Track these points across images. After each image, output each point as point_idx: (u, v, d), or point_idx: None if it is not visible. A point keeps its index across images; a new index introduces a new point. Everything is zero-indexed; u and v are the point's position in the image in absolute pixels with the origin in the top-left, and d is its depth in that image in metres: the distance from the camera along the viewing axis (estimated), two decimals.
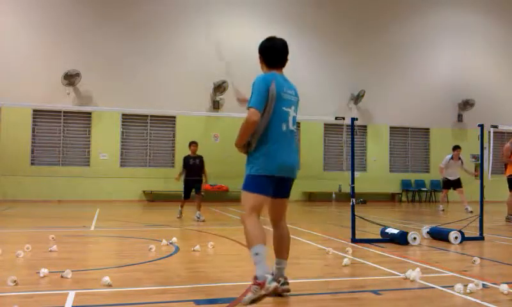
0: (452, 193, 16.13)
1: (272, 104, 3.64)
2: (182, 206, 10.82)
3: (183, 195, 10.84)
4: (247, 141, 3.70)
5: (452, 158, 13.96)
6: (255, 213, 3.69)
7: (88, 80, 17.54)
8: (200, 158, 10.90)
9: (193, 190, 10.81)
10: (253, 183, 3.70)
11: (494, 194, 17.11)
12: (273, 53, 3.87)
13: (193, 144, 11.01)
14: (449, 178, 14.17)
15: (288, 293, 3.76)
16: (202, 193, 10.88)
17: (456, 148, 14.09)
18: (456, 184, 14.18)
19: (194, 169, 10.76)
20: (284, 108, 3.72)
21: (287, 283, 3.81)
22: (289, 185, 3.89)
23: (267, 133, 3.66)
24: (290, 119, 3.77)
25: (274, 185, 3.73)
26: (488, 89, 22.34)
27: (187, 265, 5.50)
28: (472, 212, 12.83)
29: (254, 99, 3.61)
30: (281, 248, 3.92)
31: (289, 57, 3.92)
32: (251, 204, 3.68)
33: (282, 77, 3.85)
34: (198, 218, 10.20)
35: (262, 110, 3.60)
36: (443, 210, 14.39)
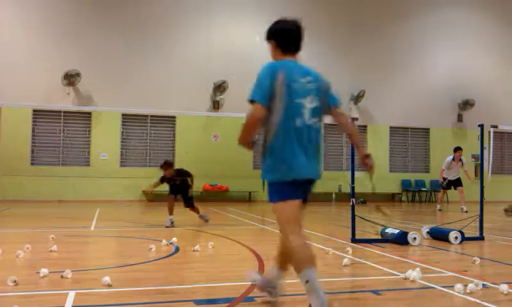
0: (452, 194, 16.12)
1: (281, 97, 3.11)
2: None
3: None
4: (252, 139, 3.22)
5: (453, 159, 13.92)
6: (294, 225, 3.13)
7: (88, 80, 17.54)
8: (181, 176, 9.73)
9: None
10: (279, 191, 3.16)
11: (494, 194, 17.12)
12: (288, 35, 3.35)
13: (165, 165, 9.67)
14: (449, 178, 14.14)
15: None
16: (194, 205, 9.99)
17: (458, 149, 14.03)
18: (456, 183, 14.17)
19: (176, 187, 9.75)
20: (297, 100, 3.15)
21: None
22: (310, 188, 3.40)
23: (280, 133, 3.13)
24: (306, 111, 3.18)
25: (300, 188, 3.23)
26: (487, 89, 22.34)
27: (187, 265, 5.50)
28: (466, 211, 12.88)
29: (257, 91, 3.11)
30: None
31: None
32: (285, 216, 3.15)
33: (295, 64, 3.30)
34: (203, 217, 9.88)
35: (266, 104, 3.09)
36: (440, 210, 14.39)
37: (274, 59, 3.34)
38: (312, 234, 8.13)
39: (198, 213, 10.03)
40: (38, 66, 17.39)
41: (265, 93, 3.09)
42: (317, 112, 3.25)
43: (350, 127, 3.49)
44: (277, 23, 3.41)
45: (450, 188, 14.54)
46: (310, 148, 3.22)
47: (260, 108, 3.08)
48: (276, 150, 3.15)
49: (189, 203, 9.95)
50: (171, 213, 9.53)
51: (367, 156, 3.43)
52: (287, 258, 3.34)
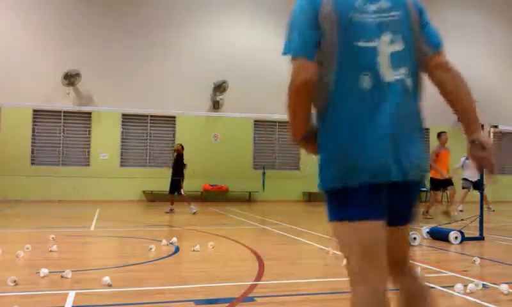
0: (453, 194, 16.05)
1: (332, 43, 1.77)
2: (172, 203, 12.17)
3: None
4: (308, 128, 1.86)
5: (467, 158, 12.59)
6: (370, 265, 1.85)
7: (88, 80, 17.53)
8: (178, 156, 12.25)
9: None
10: (340, 203, 1.84)
11: (494, 194, 17.13)
12: None
13: (179, 144, 12.61)
14: (471, 179, 12.56)
15: None
16: (182, 193, 12.05)
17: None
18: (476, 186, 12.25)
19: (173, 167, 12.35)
20: (361, 43, 1.78)
21: None
22: (410, 197, 1.94)
23: (334, 105, 1.80)
24: (383, 60, 1.80)
25: (382, 197, 1.80)
26: (488, 89, 22.31)
27: (187, 265, 5.51)
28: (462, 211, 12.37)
29: (293, 39, 1.79)
30: None
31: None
32: (354, 249, 1.87)
33: None
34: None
35: (313, 57, 1.75)
36: (461, 211, 12.78)
37: None
38: (312, 234, 8.13)
39: (172, 204, 12.09)
40: (38, 66, 17.38)
41: (308, 40, 1.77)
42: (405, 60, 1.87)
43: (459, 91, 2.12)
44: None
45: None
46: (395, 126, 1.81)
47: (305, 63, 1.75)
48: (329, 137, 1.82)
49: (172, 189, 12.08)
50: (171, 204, 12.06)
51: (483, 147, 1.94)
52: None
